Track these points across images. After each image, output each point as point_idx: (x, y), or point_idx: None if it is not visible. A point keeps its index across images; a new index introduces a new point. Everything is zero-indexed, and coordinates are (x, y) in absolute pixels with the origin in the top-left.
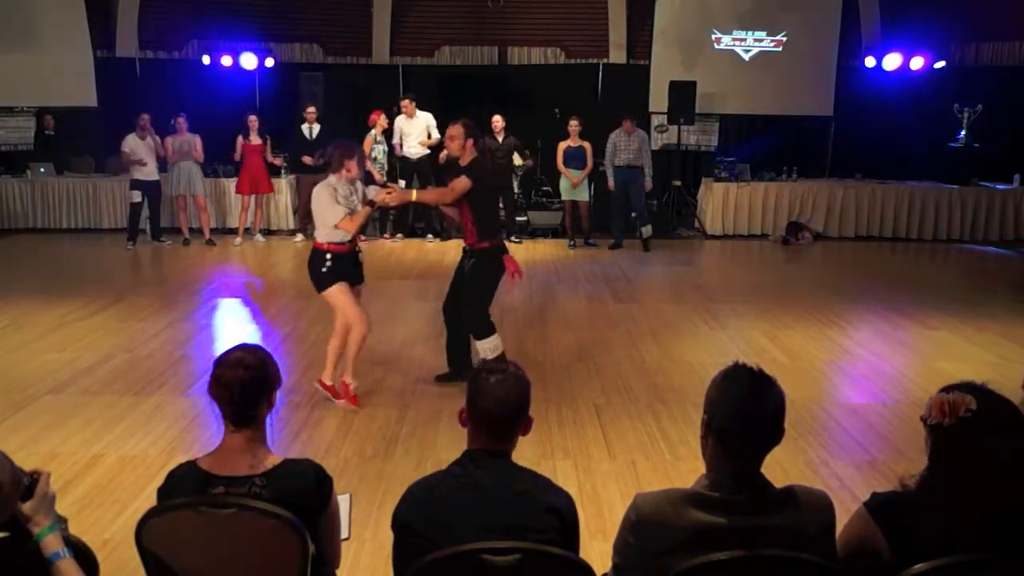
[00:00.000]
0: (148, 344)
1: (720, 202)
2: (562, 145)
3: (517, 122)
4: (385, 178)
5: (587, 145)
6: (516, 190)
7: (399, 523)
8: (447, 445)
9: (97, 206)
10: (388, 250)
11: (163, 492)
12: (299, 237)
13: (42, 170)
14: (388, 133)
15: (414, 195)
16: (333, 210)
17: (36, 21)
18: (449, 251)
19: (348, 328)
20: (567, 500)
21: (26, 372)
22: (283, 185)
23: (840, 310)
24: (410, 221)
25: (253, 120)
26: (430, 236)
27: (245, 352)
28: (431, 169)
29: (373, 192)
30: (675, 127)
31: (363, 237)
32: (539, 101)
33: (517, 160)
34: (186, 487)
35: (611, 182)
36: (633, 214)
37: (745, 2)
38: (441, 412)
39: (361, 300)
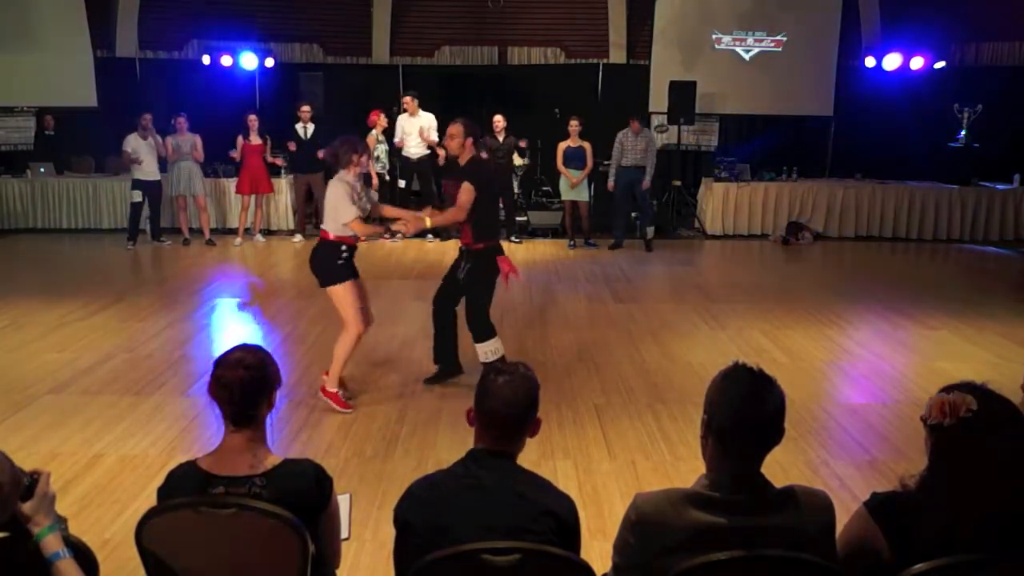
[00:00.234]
0: (148, 344)
1: (720, 202)
2: (562, 145)
3: (517, 122)
4: (388, 177)
5: (587, 145)
6: (516, 190)
7: (400, 521)
8: (447, 445)
9: (97, 206)
10: (388, 250)
11: (163, 492)
12: (298, 237)
13: (42, 170)
14: (389, 132)
15: (428, 222)
16: (348, 208)
17: (36, 21)
18: (449, 251)
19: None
20: (567, 504)
21: (26, 372)
22: (283, 185)
23: (840, 310)
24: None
25: (253, 120)
26: (430, 236)
27: (245, 352)
28: (431, 169)
29: (375, 197)
30: (675, 127)
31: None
32: (539, 101)
33: (517, 160)
34: (186, 487)
35: (611, 182)
36: (634, 214)
37: (745, 2)
38: (441, 412)
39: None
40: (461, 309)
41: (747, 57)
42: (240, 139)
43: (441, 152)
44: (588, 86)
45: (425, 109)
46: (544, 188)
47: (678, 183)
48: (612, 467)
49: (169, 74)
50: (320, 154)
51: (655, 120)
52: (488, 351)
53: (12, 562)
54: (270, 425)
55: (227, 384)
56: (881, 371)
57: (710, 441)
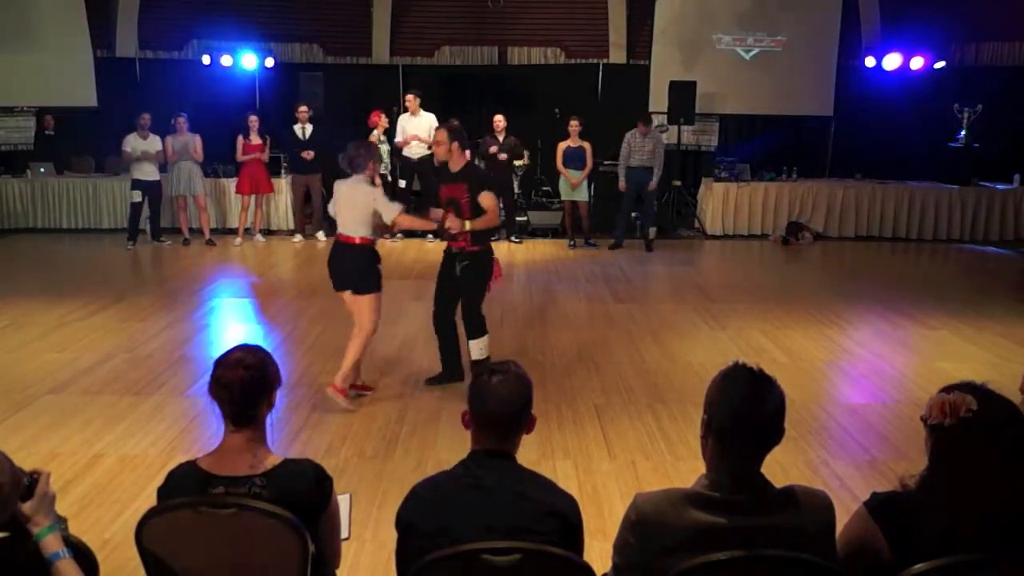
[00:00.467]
0: (148, 344)
1: (720, 202)
2: (562, 145)
3: (517, 122)
4: (389, 178)
5: (587, 145)
6: (516, 190)
7: (403, 523)
8: (447, 445)
9: (97, 206)
10: (388, 250)
11: (163, 492)
12: (297, 237)
13: (42, 170)
14: (389, 133)
15: (468, 225)
16: (390, 205)
17: (36, 21)
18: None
19: (358, 330)
20: (570, 503)
21: (26, 372)
22: (283, 185)
23: (840, 310)
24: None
25: (254, 120)
26: (430, 236)
27: (245, 352)
28: (431, 170)
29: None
30: (675, 127)
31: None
32: (539, 101)
33: (517, 160)
34: (186, 487)
35: (622, 182)
36: (634, 214)
37: (745, 2)
38: (441, 412)
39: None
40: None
41: (747, 57)
42: (240, 139)
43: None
44: (588, 86)
45: (425, 109)
46: (544, 188)
47: (678, 183)
48: (612, 467)
49: (169, 74)
50: (309, 155)
51: (655, 120)
52: (482, 347)
53: (12, 562)
54: (270, 425)
55: (227, 384)
56: (881, 371)
57: (710, 441)
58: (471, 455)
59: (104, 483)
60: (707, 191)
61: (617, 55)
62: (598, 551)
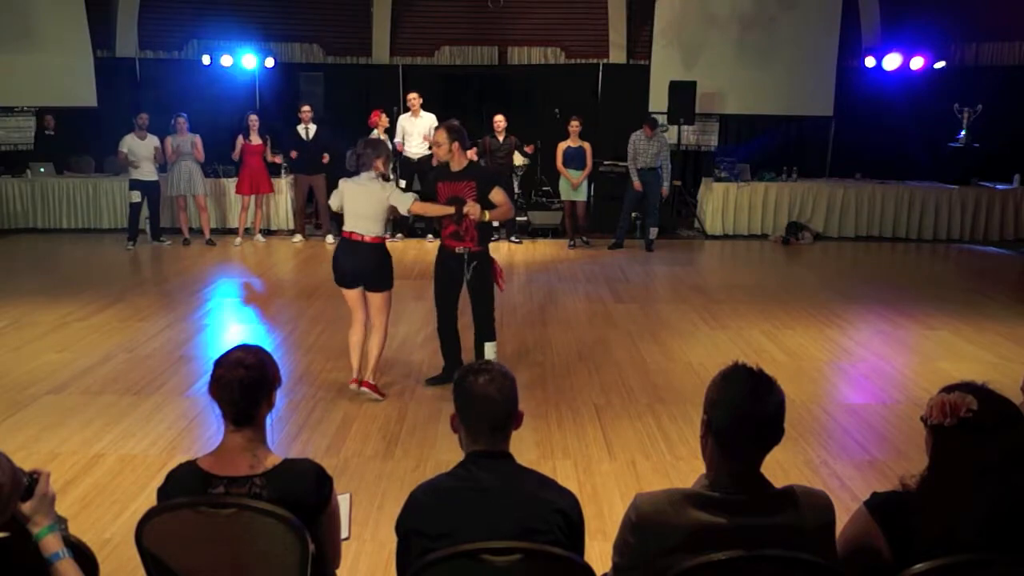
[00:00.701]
0: (148, 344)
1: (720, 202)
2: (562, 145)
3: (517, 122)
4: (390, 177)
5: (587, 145)
6: (516, 190)
7: (404, 528)
8: (447, 445)
9: (97, 206)
10: (387, 250)
11: (163, 492)
12: (298, 238)
13: (42, 170)
14: (390, 132)
15: (487, 215)
16: (404, 197)
17: (36, 21)
18: None
19: (374, 327)
20: (572, 500)
21: (26, 372)
22: (283, 185)
23: (840, 310)
24: (410, 221)
25: (254, 120)
26: (430, 236)
27: (245, 352)
28: (428, 169)
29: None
30: (675, 127)
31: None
32: (539, 101)
33: (518, 160)
34: (186, 487)
35: (637, 182)
36: (635, 214)
37: (745, 2)
38: (441, 412)
39: None
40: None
41: (747, 57)
42: (240, 139)
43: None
44: (588, 86)
45: (425, 109)
46: (544, 188)
47: (678, 183)
48: (612, 467)
49: (169, 74)
50: (325, 157)
51: (660, 123)
52: (494, 350)
53: (12, 562)
54: (270, 425)
55: (227, 384)
56: (881, 371)
57: (710, 441)
58: (469, 457)
59: (104, 483)
60: (707, 191)
61: (617, 55)
62: (598, 551)
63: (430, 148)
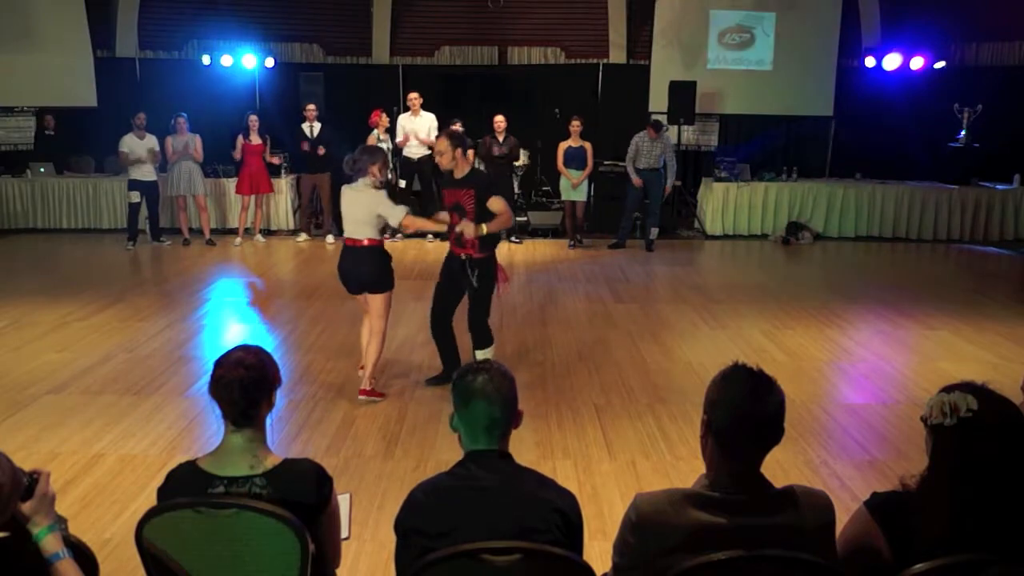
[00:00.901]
0: (148, 344)
1: (720, 202)
2: (563, 145)
3: (517, 122)
4: (389, 177)
5: (588, 145)
6: (516, 190)
7: (403, 527)
8: (447, 445)
9: (97, 206)
10: (387, 250)
11: (163, 492)
12: (302, 236)
13: (42, 170)
14: (390, 132)
15: (484, 229)
16: (395, 209)
17: (36, 21)
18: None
19: (372, 332)
20: (571, 500)
21: (26, 372)
22: (283, 185)
23: (840, 310)
24: None
25: (254, 120)
26: (430, 236)
27: (245, 352)
28: (432, 171)
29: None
30: (675, 127)
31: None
32: (539, 101)
33: (521, 158)
34: (186, 487)
35: (636, 178)
36: (636, 214)
37: (745, 3)
38: (441, 412)
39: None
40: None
41: (747, 57)
42: (240, 139)
43: None
44: (588, 86)
45: (425, 109)
46: (544, 188)
47: (678, 183)
48: (612, 467)
49: (169, 74)
50: (305, 146)
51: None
52: (487, 357)
53: (12, 562)
54: (270, 425)
55: (227, 384)
56: (881, 371)
57: (710, 441)
58: (468, 456)
59: (104, 483)
60: (707, 191)
61: (617, 55)
62: (598, 551)
63: (429, 148)
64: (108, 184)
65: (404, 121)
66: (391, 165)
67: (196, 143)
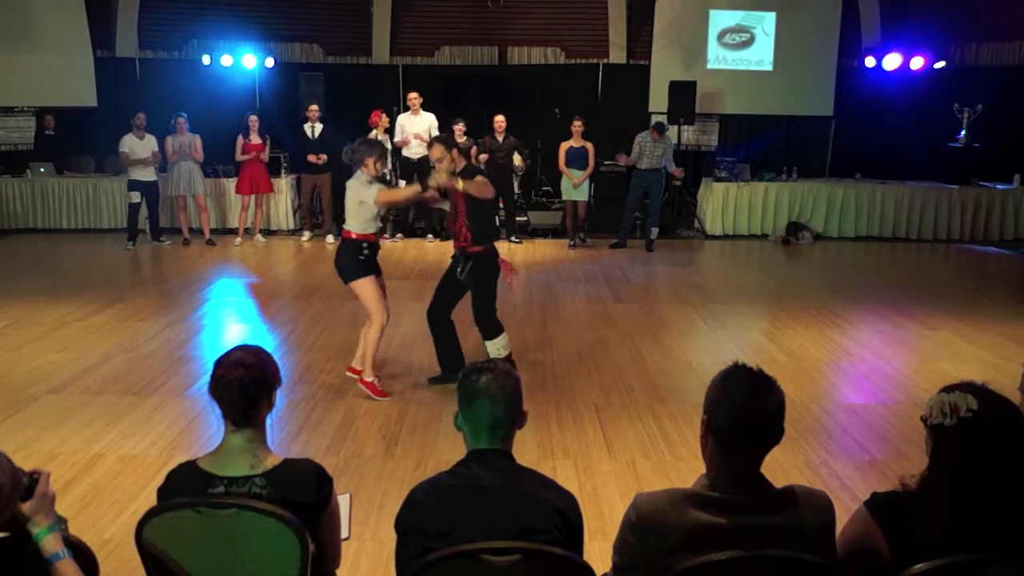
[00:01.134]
0: (148, 344)
1: (720, 202)
2: (564, 145)
3: (517, 122)
4: (389, 177)
5: (590, 145)
6: (516, 190)
7: (403, 526)
8: (447, 445)
9: (97, 206)
10: (388, 250)
11: (163, 492)
12: (306, 235)
13: (42, 170)
14: (390, 132)
15: (461, 184)
16: (367, 190)
17: (36, 21)
18: (449, 251)
19: (367, 321)
20: (571, 501)
21: (26, 372)
22: (283, 185)
23: (840, 310)
24: (410, 221)
25: (254, 120)
26: (430, 236)
27: (245, 352)
28: (431, 171)
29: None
30: (675, 127)
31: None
32: (539, 101)
33: (517, 160)
34: (186, 487)
35: (631, 157)
36: (637, 214)
37: (745, 2)
38: (441, 412)
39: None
40: (457, 313)
41: (747, 57)
42: (240, 139)
43: None
44: (588, 86)
45: (425, 109)
46: (544, 188)
47: (678, 183)
48: (612, 467)
49: (169, 74)
50: (312, 158)
51: (653, 120)
52: (500, 346)
53: (12, 562)
54: (270, 425)
55: (227, 384)
56: (881, 371)
57: (710, 441)
58: (470, 455)
59: (104, 483)
60: (707, 191)
61: (617, 55)
62: (598, 551)
63: (428, 146)
64: (108, 184)
65: (404, 121)
66: (390, 164)
67: (196, 143)
